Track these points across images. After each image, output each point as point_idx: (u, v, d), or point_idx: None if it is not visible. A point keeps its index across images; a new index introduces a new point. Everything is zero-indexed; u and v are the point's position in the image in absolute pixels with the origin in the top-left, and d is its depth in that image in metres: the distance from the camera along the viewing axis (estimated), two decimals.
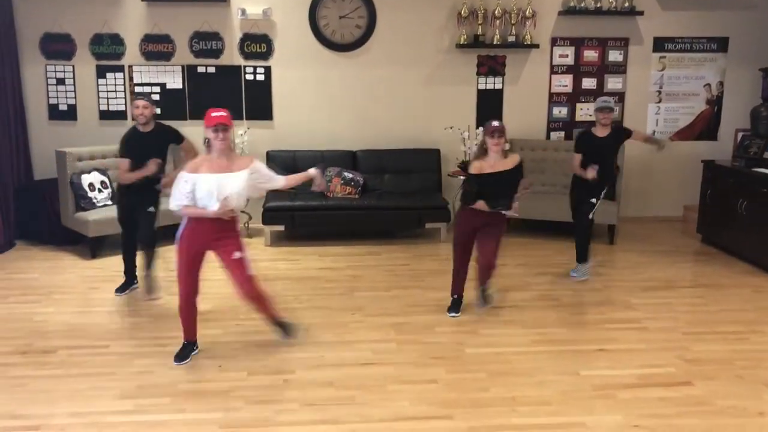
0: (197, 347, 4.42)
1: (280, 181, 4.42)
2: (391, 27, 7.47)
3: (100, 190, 6.67)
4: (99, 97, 7.39)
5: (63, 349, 4.46)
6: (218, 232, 4.14)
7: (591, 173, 5.53)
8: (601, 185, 5.70)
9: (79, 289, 5.66)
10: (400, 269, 6.22)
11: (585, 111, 7.82)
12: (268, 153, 7.36)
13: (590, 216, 5.78)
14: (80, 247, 6.59)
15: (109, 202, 6.67)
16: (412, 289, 5.67)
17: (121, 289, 5.55)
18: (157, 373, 4.14)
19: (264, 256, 6.57)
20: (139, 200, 5.31)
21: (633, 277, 5.99)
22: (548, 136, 7.83)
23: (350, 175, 7.18)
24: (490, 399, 3.85)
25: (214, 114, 4.04)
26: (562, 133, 7.83)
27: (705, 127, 7.96)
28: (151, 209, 5.37)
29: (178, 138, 5.43)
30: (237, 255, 4.19)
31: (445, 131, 7.45)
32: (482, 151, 4.84)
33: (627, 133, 5.92)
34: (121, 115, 7.43)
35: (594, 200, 5.74)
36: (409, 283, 5.84)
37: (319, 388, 3.97)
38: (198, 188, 4.04)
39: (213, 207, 4.04)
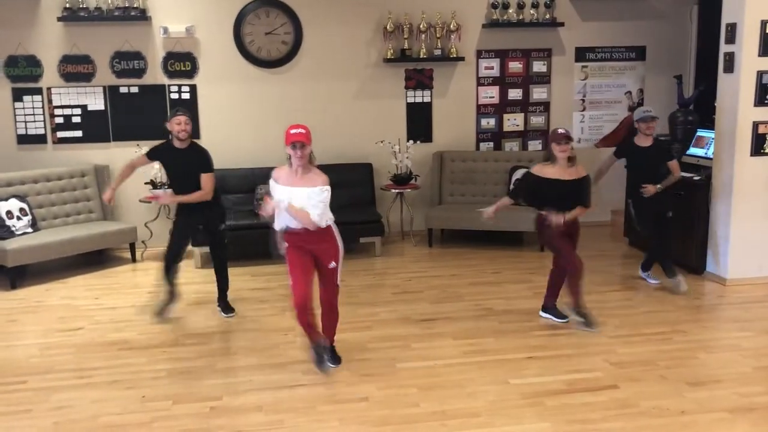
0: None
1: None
2: (318, 42, 7.46)
3: (19, 218, 6.42)
4: (16, 121, 7.12)
5: None
6: (315, 240, 4.22)
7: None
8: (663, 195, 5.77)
9: None
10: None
11: (512, 122, 7.96)
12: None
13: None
14: None
15: (29, 230, 6.43)
16: (346, 306, 5.54)
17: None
18: (76, 407, 3.97)
19: (195, 279, 6.42)
20: (199, 219, 5.29)
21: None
22: (478, 147, 7.93)
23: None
24: (420, 414, 3.83)
25: (292, 131, 4.14)
26: (491, 144, 7.94)
27: (628, 133, 8.19)
28: (221, 227, 5.40)
29: (204, 166, 5.20)
30: (332, 265, 4.29)
31: (377, 145, 7.47)
32: (550, 158, 4.91)
33: (669, 158, 5.83)
34: (40, 139, 7.17)
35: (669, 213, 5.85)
36: (343, 300, 5.65)
37: (247, 413, 3.89)
38: (273, 196, 4.24)
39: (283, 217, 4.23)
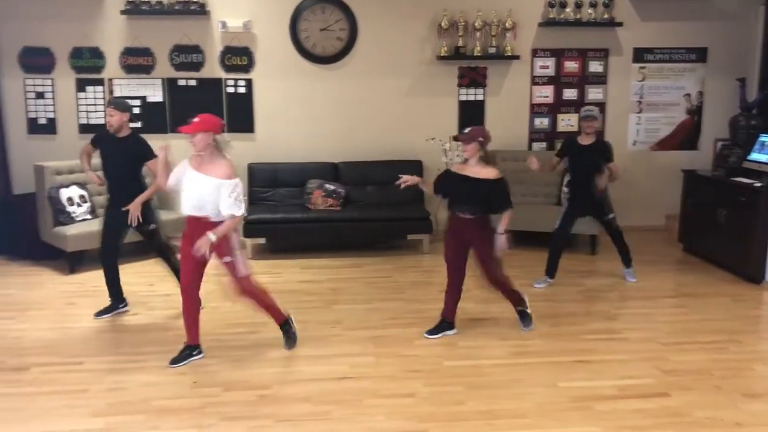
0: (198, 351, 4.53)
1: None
2: (373, 39, 7.48)
3: (79, 205, 6.62)
4: (79, 111, 7.35)
5: (36, 367, 4.40)
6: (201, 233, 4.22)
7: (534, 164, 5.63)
8: (580, 194, 5.85)
9: (55, 304, 5.60)
10: (381, 281, 6.19)
11: (567, 122, 7.84)
12: (249, 166, 7.34)
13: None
14: (58, 262, 6.52)
15: (89, 217, 6.62)
16: (393, 302, 5.64)
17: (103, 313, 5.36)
18: (130, 390, 4.09)
19: None
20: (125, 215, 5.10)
21: (614, 288, 5.99)
22: (530, 147, 7.84)
23: (332, 187, 7.16)
24: (466, 412, 3.82)
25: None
26: (544, 144, 7.84)
27: (686, 136, 8.00)
28: (153, 226, 5.31)
29: (149, 154, 5.12)
30: (226, 259, 4.37)
31: (427, 142, 7.45)
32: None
33: (609, 160, 5.81)
34: (101, 129, 7.35)
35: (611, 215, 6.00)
36: (390, 296, 5.81)
37: (294, 403, 3.94)
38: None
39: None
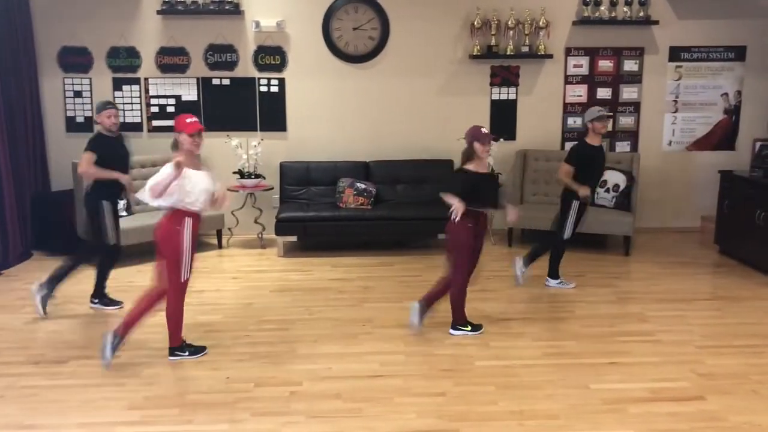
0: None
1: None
2: (405, 38, 7.49)
3: None
4: None
5: (75, 360, 4.50)
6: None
7: (584, 191, 5.55)
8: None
9: None
10: (412, 280, 6.19)
11: None
12: (281, 164, 7.40)
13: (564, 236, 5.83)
14: None
15: (124, 214, 6.74)
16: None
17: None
18: (165, 384, 4.16)
19: (277, 267, 6.59)
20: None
21: (648, 289, 5.91)
22: (563, 147, 7.77)
23: (363, 186, 7.18)
24: (497, 412, 3.81)
25: (189, 120, 4.41)
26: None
27: (723, 136, 7.86)
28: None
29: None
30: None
31: (458, 141, 7.40)
32: (470, 156, 4.88)
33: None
34: (137, 127, 7.52)
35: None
36: (420, 294, 5.78)
37: (326, 400, 3.96)
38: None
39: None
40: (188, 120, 4.40)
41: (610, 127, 5.61)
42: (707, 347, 4.71)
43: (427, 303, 4.98)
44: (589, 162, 5.63)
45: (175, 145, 4.42)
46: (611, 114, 5.64)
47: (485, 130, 4.84)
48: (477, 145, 4.77)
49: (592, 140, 5.67)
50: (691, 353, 4.61)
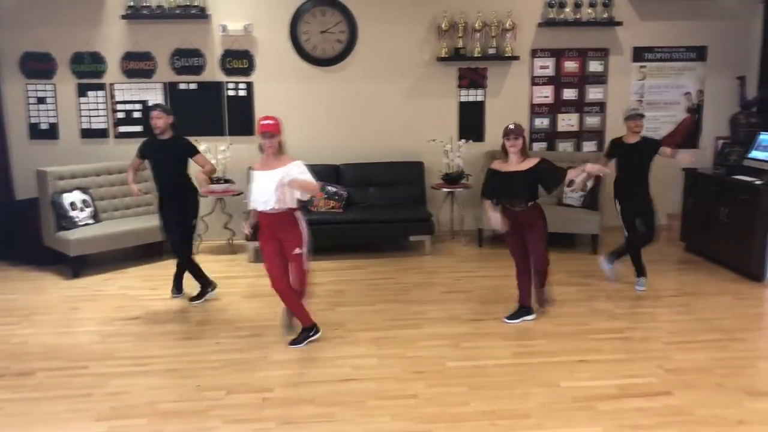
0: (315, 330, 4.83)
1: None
2: (373, 41, 7.50)
3: (81, 209, 6.63)
4: (80, 116, 7.38)
5: (41, 371, 4.42)
6: (279, 225, 4.60)
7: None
8: (632, 191, 5.82)
9: (59, 309, 5.62)
10: (384, 283, 6.20)
11: (567, 122, 7.86)
12: (250, 169, 7.33)
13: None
14: (62, 266, 6.54)
15: (91, 221, 6.64)
16: (396, 303, 5.65)
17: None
18: (134, 393, 4.10)
19: (248, 273, 6.55)
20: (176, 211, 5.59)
21: (616, 287, 5.99)
22: (531, 147, 7.84)
23: (334, 189, 7.17)
24: (470, 413, 3.83)
25: (263, 122, 4.58)
26: (545, 144, 7.86)
27: (686, 135, 8.00)
28: (195, 222, 5.74)
29: (191, 150, 5.57)
30: (296, 251, 4.65)
31: (428, 144, 7.47)
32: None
33: (657, 146, 5.81)
34: (102, 134, 7.41)
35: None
36: (393, 297, 5.82)
37: (298, 405, 3.95)
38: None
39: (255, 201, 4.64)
40: (261, 121, 4.59)
41: (624, 126, 5.86)
42: (674, 343, 4.79)
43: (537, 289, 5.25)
44: (620, 158, 5.84)
45: (261, 148, 4.66)
46: (642, 113, 5.79)
47: (512, 125, 4.98)
48: (503, 141, 4.96)
49: (627, 138, 5.80)
50: (658, 349, 4.69)
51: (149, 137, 5.68)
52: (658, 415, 3.78)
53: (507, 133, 4.93)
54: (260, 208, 4.61)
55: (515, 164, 4.96)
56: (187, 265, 5.72)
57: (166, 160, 5.48)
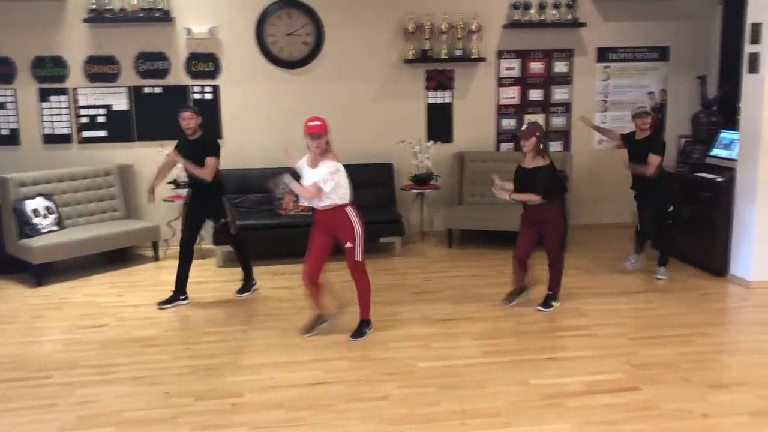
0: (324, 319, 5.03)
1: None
2: (339, 43, 7.49)
3: (45, 216, 6.51)
4: (43, 121, 7.24)
5: (3, 383, 4.32)
6: (330, 219, 4.81)
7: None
8: (641, 184, 6.15)
9: (22, 318, 5.51)
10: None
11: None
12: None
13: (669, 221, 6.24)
14: (25, 275, 6.40)
15: (55, 228, 6.52)
16: None
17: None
18: (100, 402, 4.03)
19: (216, 278, 6.49)
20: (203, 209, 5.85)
21: (584, 284, 6.07)
22: (498, 148, 7.92)
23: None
24: (440, 413, 3.84)
25: (310, 123, 4.75)
26: (512, 145, 7.92)
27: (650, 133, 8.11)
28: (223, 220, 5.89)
29: (209, 151, 5.66)
30: (348, 245, 4.80)
31: (397, 145, 7.48)
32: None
33: (652, 150, 6.04)
34: (66, 139, 7.28)
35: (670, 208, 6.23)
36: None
37: (268, 410, 3.92)
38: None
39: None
40: (309, 123, 4.75)
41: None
42: (641, 339, 4.87)
43: (552, 287, 5.50)
44: (630, 151, 6.19)
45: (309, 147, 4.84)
46: (647, 111, 6.13)
47: (525, 125, 5.35)
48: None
49: (637, 134, 6.14)
50: (625, 345, 4.75)
51: (180, 137, 5.76)
52: (626, 411, 3.84)
53: (520, 135, 5.25)
54: (311, 204, 4.86)
55: (529, 161, 5.24)
56: (183, 261, 5.72)
57: (194, 159, 5.61)
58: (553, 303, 5.46)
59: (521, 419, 3.77)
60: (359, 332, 4.92)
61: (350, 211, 4.85)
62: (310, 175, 4.78)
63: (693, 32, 7.92)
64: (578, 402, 3.94)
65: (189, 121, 5.60)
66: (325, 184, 4.67)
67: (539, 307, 5.42)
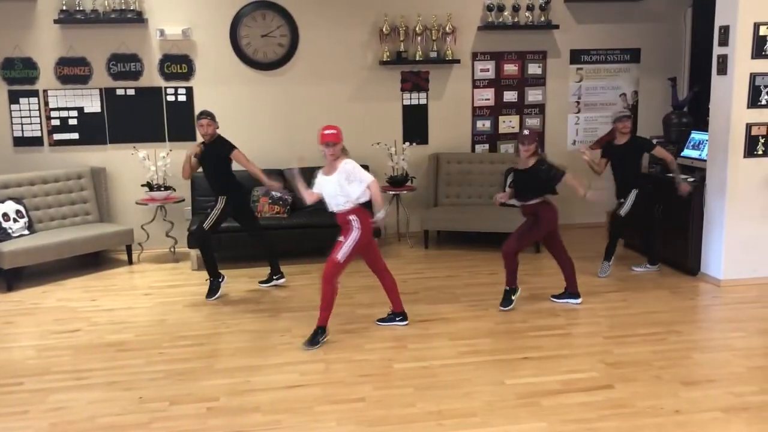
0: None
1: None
2: (314, 45, 7.48)
3: (15, 220, 6.42)
4: (12, 123, 7.13)
5: None
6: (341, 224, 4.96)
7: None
8: (627, 188, 6.24)
9: None
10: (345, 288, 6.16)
11: (508, 123, 8.00)
12: (192, 175, 7.21)
13: (621, 213, 6.28)
14: None
15: (26, 232, 6.43)
16: (342, 307, 5.61)
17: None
18: (73, 408, 3.98)
19: (191, 281, 6.44)
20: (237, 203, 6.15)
21: (558, 284, 6.07)
22: (473, 149, 7.96)
23: (278, 194, 7.11)
24: (416, 414, 3.85)
25: (325, 132, 4.84)
26: (487, 146, 7.97)
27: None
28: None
29: (228, 149, 5.88)
30: (340, 238, 4.92)
31: (373, 147, 7.48)
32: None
33: (650, 148, 6.23)
34: (37, 142, 7.18)
35: (622, 200, 6.28)
36: (340, 301, 5.70)
37: (244, 414, 3.90)
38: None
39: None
40: (323, 131, 4.83)
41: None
42: (614, 337, 4.92)
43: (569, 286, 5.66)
44: (613, 159, 6.27)
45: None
46: (628, 114, 6.31)
47: (526, 131, 5.45)
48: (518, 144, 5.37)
49: (617, 140, 6.23)
50: (599, 344, 4.81)
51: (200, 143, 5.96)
52: (600, 409, 3.88)
53: (521, 140, 5.32)
54: (331, 209, 4.99)
55: (524, 163, 5.37)
56: (205, 251, 5.94)
57: (211, 162, 5.88)
58: (571, 301, 5.64)
59: (497, 419, 3.79)
60: (313, 340, 4.82)
61: (357, 214, 4.95)
62: (328, 183, 4.90)
63: (664, 34, 8.05)
64: (553, 401, 3.97)
65: (207, 127, 5.76)
66: (362, 180, 4.87)
67: (552, 298, 5.69)
